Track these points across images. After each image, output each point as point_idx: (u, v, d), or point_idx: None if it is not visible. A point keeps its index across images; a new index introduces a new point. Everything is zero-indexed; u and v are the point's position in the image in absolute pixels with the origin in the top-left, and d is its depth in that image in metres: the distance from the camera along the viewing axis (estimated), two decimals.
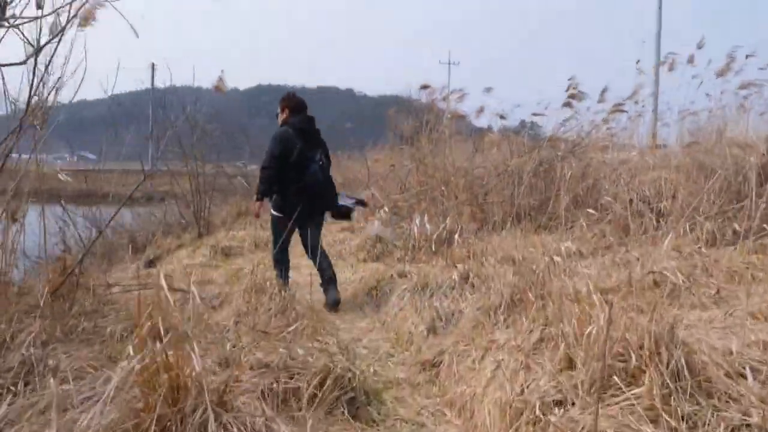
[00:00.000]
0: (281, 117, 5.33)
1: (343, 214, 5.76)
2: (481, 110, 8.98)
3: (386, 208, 8.33)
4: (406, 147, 9.64)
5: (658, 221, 7.08)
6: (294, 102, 5.35)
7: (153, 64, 44.56)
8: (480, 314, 3.62)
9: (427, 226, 7.11)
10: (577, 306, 2.73)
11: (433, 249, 6.70)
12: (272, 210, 5.28)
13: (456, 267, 4.84)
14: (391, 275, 5.52)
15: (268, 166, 5.08)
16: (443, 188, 8.10)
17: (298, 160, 5.02)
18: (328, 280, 5.21)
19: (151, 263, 8.77)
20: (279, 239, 5.13)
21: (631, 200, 7.66)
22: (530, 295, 3.49)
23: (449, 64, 41.12)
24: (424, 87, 8.73)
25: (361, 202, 6.26)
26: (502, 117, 8.56)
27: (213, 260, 7.41)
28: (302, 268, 6.97)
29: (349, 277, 6.25)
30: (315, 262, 5.17)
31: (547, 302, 3.36)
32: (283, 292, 4.16)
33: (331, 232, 8.45)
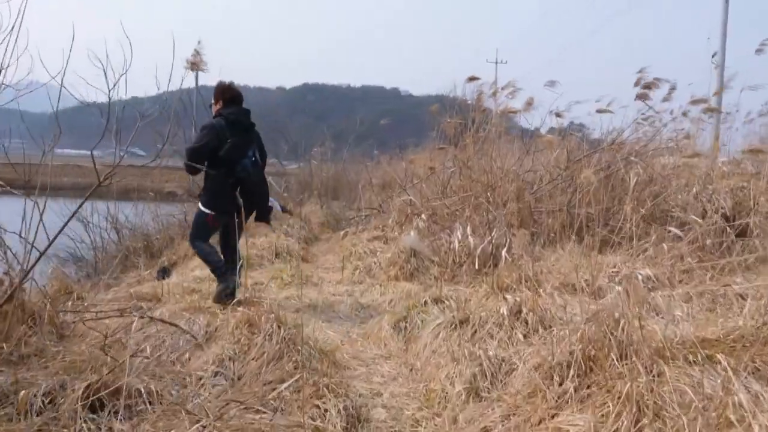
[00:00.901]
0: (215, 108, 4.91)
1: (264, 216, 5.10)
2: (530, 104, 7.84)
3: (424, 216, 7.38)
4: (449, 147, 8.67)
5: (740, 239, 5.99)
6: (229, 93, 4.90)
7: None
8: (539, 376, 2.66)
9: (470, 238, 6.15)
10: (710, 409, 1.74)
11: (477, 267, 5.75)
12: (201, 205, 4.85)
13: (504, 297, 3.88)
14: (425, 301, 4.58)
15: (190, 153, 4.68)
16: (489, 194, 7.11)
17: (228, 154, 4.61)
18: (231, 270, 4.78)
19: (164, 271, 8.01)
20: (201, 236, 4.85)
21: (704, 213, 6.56)
22: (611, 354, 2.52)
23: (496, 63, 39.38)
24: (472, 79, 7.71)
25: (284, 209, 5.64)
26: (558, 115, 7.49)
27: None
28: (324, 284, 6.11)
29: (376, 298, 5.34)
30: (229, 261, 4.81)
31: (634, 366, 2.38)
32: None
33: (362, 241, 7.56)
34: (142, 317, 3.69)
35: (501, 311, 3.69)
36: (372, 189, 10.18)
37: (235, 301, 4.04)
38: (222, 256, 4.84)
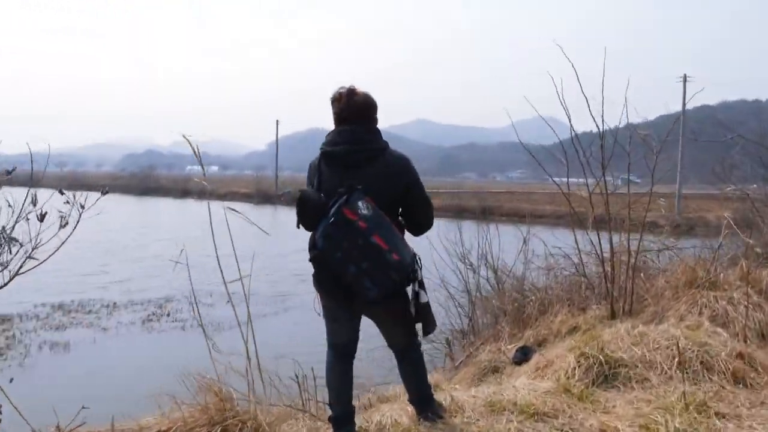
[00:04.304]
0: None
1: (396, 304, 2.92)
2: None
3: None
4: None
5: None
6: (340, 105, 2.98)
7: (684, 76, 39.65)
8: None
9: None
10: None
11: None
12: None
13: None
14: None
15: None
16: None
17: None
18: (419, 399, 3.17)
19: (525, 351, 5.57)
20: (330, 335, 3.09)
21: None
22: None
23: None
24: None
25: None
26: None
27: (569, 390, 3.68)
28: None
29: None
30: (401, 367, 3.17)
31: None
32: None
33: None
34: None
35: None
36: None
37: None
38: (342, 394, 3.03)
